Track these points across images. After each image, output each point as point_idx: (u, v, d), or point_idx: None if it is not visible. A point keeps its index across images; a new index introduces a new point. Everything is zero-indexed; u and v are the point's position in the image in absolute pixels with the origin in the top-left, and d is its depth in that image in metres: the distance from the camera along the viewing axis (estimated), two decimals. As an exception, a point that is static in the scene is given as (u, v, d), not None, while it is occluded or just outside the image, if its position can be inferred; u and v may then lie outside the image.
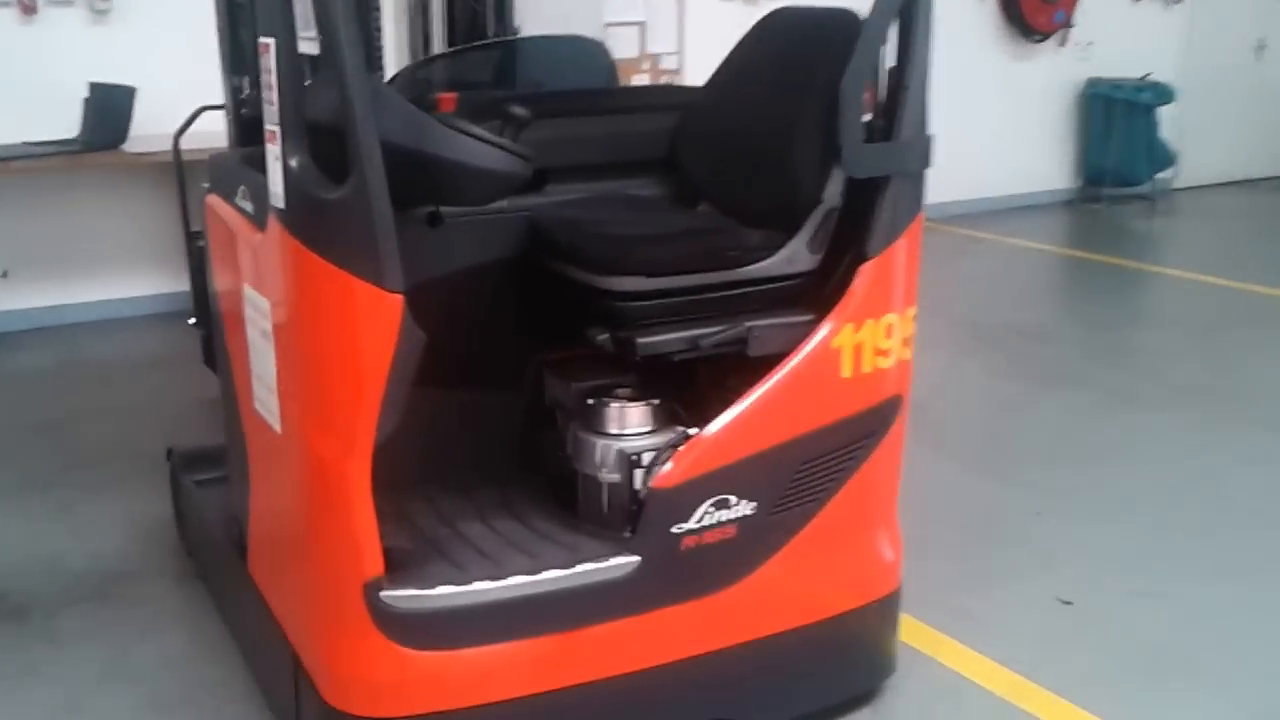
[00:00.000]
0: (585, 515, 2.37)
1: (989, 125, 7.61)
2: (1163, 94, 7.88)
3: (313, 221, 1.96)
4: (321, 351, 2.03)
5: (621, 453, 2.31)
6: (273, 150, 1.98)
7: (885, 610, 2.56)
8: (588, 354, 2.45)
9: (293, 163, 1.95)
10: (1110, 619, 2.96)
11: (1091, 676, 2.71)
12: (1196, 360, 5.00)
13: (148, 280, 5.47)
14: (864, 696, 2.59)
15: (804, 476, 2.34)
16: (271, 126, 1.97)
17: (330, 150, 1.93)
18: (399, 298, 1.94)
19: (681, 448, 2.26)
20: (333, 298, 1.97)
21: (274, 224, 2.06)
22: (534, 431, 2.62)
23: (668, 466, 2.24)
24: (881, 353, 2.37)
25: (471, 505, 2.47)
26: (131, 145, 4.95)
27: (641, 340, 2.27)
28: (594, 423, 2.37)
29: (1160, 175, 8.19)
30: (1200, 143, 8.50)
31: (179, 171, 3.45)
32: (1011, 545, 3.34)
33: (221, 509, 2.83)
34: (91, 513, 3.48)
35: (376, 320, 1.96)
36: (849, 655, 2.55)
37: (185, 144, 3.39)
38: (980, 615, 2.96)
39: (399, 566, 2.15)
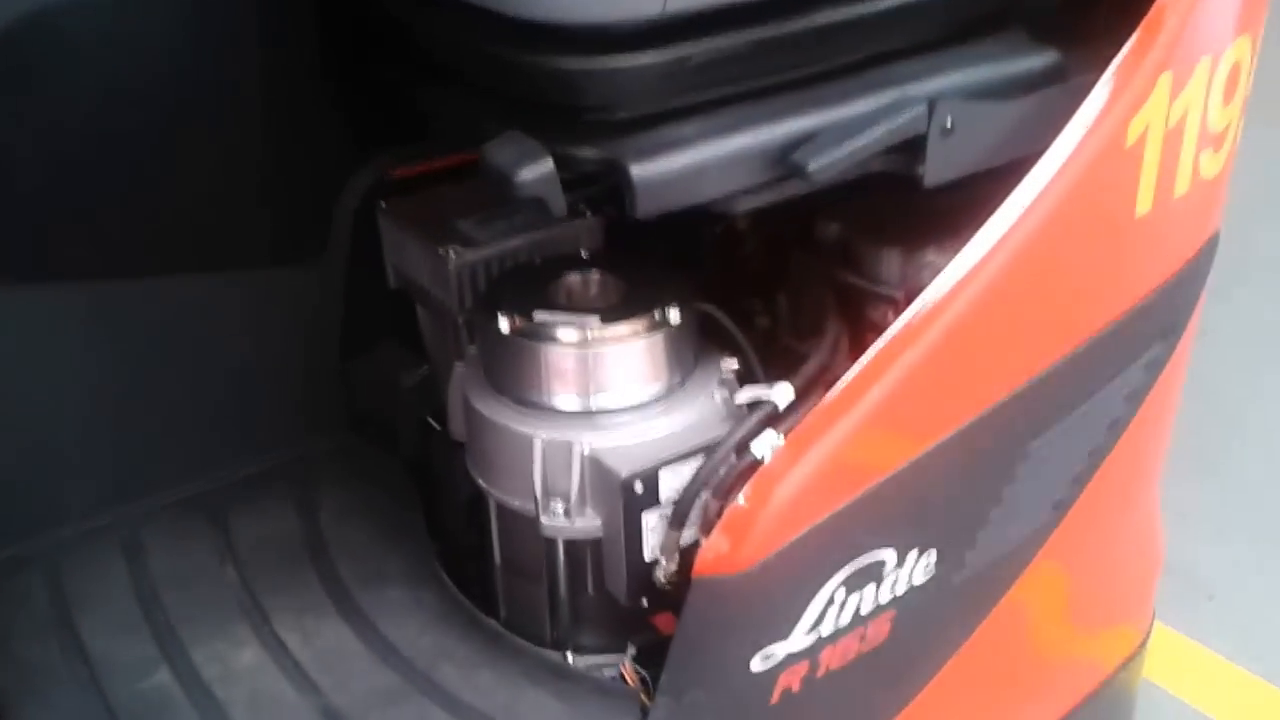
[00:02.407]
0: (515, 616, 0.94)
1: None
2: None
3: None
4: None
5: (601, 466, 0.86)
6: None
7: (1129, 673, 1.26)
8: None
9: None
10: None
11: None
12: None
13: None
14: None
15: (1040, 461, 0.95)
16: None
17: None
18: None
19: (766, 444, 0.82)
20: None
21: None
22: (374, 360, 1.14)
23: (736, 503, 0.80)
24: (1214, 140, 0.96)
25: (261, 572, 1.01)
26: None
27: (641, 173, 0.76)
28: (518, 377, 0.90)
29: None
30: None
31: None
32: (1218, 428, 1.89)
33: None
34: None
35: None
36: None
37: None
38: (1224, 592, 1.63)
39: None
